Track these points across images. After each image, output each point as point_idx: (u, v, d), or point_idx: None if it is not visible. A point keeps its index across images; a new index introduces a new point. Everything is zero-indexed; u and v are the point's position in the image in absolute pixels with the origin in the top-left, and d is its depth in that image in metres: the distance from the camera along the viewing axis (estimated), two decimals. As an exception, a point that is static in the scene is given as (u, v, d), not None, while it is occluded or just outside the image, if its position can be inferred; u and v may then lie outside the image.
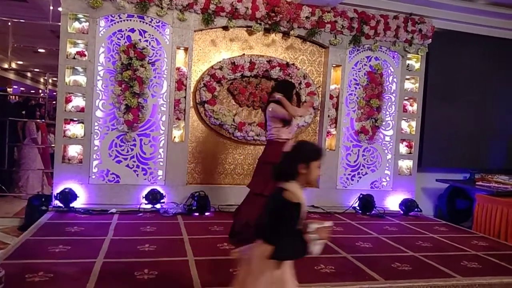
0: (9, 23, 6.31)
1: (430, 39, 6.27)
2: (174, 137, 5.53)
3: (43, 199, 5.13)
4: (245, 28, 5.74)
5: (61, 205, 4.98)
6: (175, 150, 5.47)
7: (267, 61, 5.75)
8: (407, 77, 6.39)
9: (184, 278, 3.12)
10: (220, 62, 5.65)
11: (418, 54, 6.31)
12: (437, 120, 6.59)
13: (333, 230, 2.13)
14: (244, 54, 5.75)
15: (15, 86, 15.59)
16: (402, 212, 6.08)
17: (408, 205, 6.05)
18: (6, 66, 6.73)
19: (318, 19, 5.75)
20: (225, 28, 5.63)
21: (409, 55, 6.33)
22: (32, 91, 16.37)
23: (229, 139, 5.80)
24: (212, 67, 5.64)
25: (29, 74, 15.67)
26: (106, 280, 3.00)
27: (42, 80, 16.70)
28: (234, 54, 5.76)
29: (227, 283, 3.10)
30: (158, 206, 5.27)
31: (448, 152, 6.67)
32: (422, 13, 6.18)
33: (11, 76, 13.92)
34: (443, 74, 6.61)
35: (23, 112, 7.11)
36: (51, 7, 6.17)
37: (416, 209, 6.08)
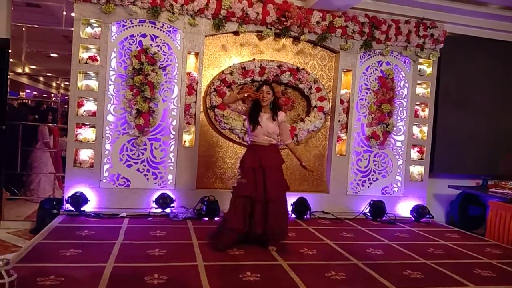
0: (23, 29, 6.40)
1: (442, 44, 6.22)
2: (185, 141, 5.55)
3: (54, 203, 5.16)
4: (255, 33, 5.75)
5: (72, 208, 5.02)
6: (185, 154, 5.49)
7: (277, 66, 5.74)
8: (419, 82, 6.33)
9: (193, 283, 3.11)
10: (230, 67, 5.66)
11: (430, 59, 6.26)
12: (449, 125, 6.52)
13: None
14: (254, 59, 5.76)
15: (28, 90, 15.80)
16: (413, 218, 6.02)
17: (419, 212, 5.99)
18: (19, 70, 6.83)
19: (329, 24, 5.73)
20: (236, 33, 5.65)
21: (420, 60, 6.28)
22: (44, 95, 16.57)
23: (239, 144, 5.79)
24: (222, 72, 5.66)
25: (41, 79, 15.88)
26: (116, 284, 3.01)
27: (54, 84, 16.91)
28: (245, 59, 5.77)
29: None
30: (168, 210, 5.28)
31: (460, 158, 6.59)
32: (434, 17, 6.13)
33: (24, 80, 14.11)
34: (455, 79, 6.54)
35: (36, 116, 7.19)
36: (64, 13, 6.23)
37: (427, 216, 6.01)
